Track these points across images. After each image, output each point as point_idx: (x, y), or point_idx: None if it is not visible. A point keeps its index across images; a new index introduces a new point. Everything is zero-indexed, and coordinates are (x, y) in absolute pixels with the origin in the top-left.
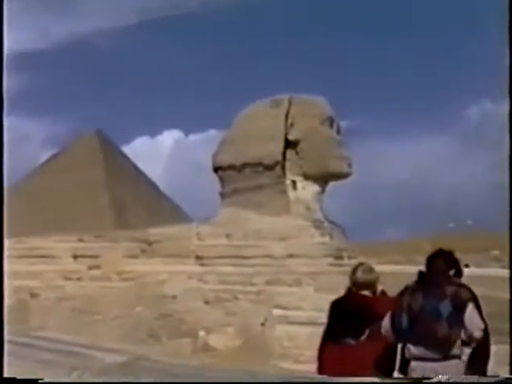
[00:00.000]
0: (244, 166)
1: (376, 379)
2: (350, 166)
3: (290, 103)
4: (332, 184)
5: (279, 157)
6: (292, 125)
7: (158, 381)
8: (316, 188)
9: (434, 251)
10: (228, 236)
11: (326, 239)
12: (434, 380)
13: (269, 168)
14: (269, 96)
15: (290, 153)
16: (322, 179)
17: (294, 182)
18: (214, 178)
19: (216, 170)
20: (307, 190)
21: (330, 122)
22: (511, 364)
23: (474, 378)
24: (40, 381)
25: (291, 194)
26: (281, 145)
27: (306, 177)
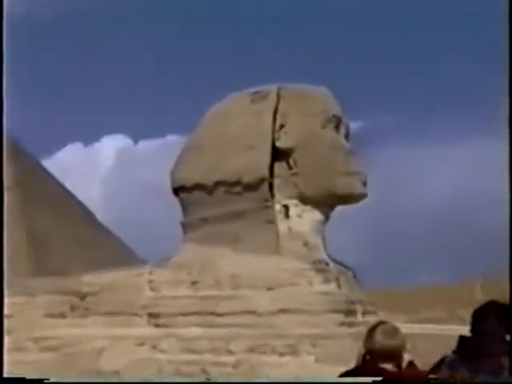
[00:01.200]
0: (216, 185)
1: (376, 379)
2: (364, 184)
3: (278, 96)
4: (340, 210)
5: (265, 172)
6: (282, 127)
7: (158, 381)
8: (317, 215)
9: (482, 305)
10: (194, 284)
11: (332, 287)
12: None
13: (251, 188)
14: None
15: (279, 166)
16: (326, 203)
17: (285, 208)
18: (174, 201)
19: (176, 191)
20: (304, 219)
21: (336, 122)
22: (511, 364)
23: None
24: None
25: (282, 224)
26: (267, 155)
27: (303, 200)
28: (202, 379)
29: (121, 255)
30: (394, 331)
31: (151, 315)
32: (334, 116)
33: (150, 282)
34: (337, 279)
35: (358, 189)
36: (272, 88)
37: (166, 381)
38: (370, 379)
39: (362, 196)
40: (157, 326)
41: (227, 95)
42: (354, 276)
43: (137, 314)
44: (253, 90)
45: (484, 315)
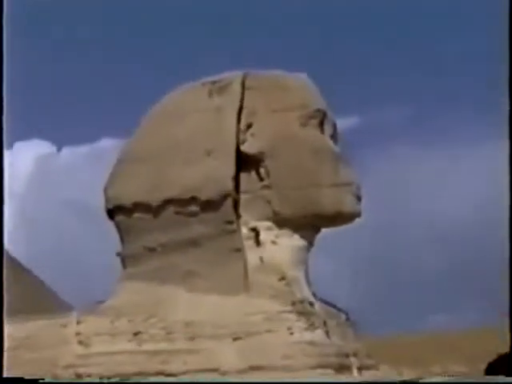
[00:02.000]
0: (164, 204)
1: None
2: (357, 198)
3: (244, 86)
4: (327, 233)
5: (227, 186)
6: (249, 127)
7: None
8: (297, 241)
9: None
10: (137, 336)
11: (318, 335)
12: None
13: (209, 207)
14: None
15: (246, 178)
16: (308, 225)
17: (255, 232)
18: (109, 226)
19: (112, 212)
20: (281, 246)
21: (320, 119)
22: (511, 364)
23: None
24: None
25: (251, 253)
26: (230, 164)
27: (279, 221)
28: (203, 379)
29: (38, 298)
30: None
31: (79, 376)
32: (316, 111)
33: (78, 334)
34: (324, 324)
35: (349, 205)
36: (235, 76)
37: (168, 381)
38: (371, 379)
39: (355, 215)
40: None
41: (177, 86)
42: (348, 319)
43: (60, 375)
44: (210, 78)
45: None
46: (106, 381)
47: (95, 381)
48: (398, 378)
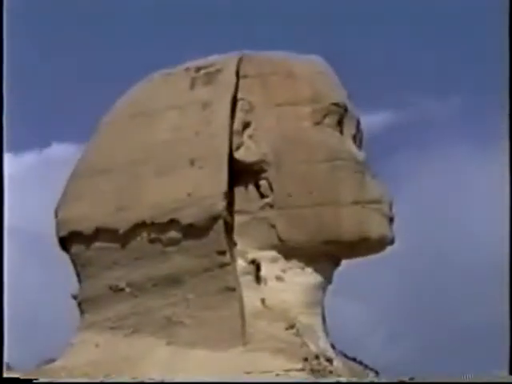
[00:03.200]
0: (134, 230)
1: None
2: (389, 220)
3: (237, 73)
4: (348, 265)
5: (217, 204)
6: (246, 127)
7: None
8: (310, 277)
9: None
10: None
11: None
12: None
13: (194, 233)
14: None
15: (243, 194)
16: (325, 255)
17: (255, 265)
18: (62, 260)
19: (65, 241)
20: (289, 283)
21: (339, 116)
22: (511, 363)
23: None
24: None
25: (250, 292)
26: (221, 176)
27: (286, 251)
28: (203, 379)
29: None
30: None
31: None
32: (333, 105)
33: None
34: None
35: (377, 228)
36: (228, 59)
37: (167, 381)
38: (370, 378)
39: (385, 240)
40: None
41: (149, 74)
42: (377, 377)
43: None
44: (194, 63)
45: None
46: (105, 381)
47: (95, 381)
48: None
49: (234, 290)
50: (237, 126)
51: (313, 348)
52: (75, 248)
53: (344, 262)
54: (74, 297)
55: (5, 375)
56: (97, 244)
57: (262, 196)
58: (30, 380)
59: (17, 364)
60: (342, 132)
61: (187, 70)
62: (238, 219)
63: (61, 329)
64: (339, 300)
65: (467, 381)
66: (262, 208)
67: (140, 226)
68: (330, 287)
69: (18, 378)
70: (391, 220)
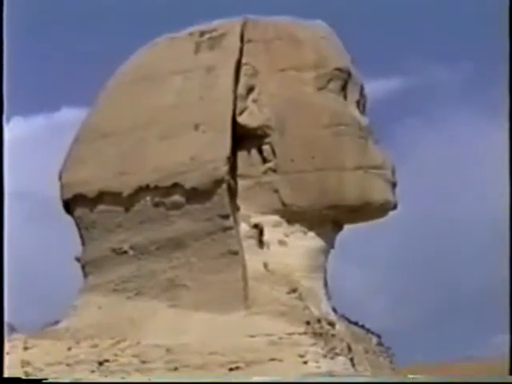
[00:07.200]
0: (137, 193)
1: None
2: (391, 185)
3: (242, 38)
4: (351, 230)
5: (221, 168)
6: (250, 91)
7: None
8: (312, 241)
9: None
10: (102, 366)
11: (340, 365)
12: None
13: (197, 196)
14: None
15: (246, 159)
16: (328, 219)
17: (258, 229)
18: (66, 221)
19: (69, 204)
20: (291, 247)
21: (342, 81)
22: (511, 363)
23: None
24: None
25: (253, 256)
26: (225, 141)
27: (289, 215)
28: (203, 379)
29: None
30: None
31: None
32: (337, 69)
33: (25, 363)
34: (349, 350)
35: (379, 193)
36: (232, 24)
37: (166, 381)
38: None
39: (388, 205)
40: None
41: (153, 38)
42: (380, 344)
43: None
44: (198, 27)
45: None
46: (105, 381)
47: (95, 381)
48: None
49: (236, 253)
50: (241, 90)
51: (315, 311)
52: (79, 211)
53: (346, 227)
54: (78, 259)
55: (8, 337)
56: (100, 207)
57: (265, 161)
58: (34, 380)
59: (23, 325)
60: (345, 97)
61: (191, 34)
62: (242, 184)
63: (66, 291)
64: (341, 264)
65: (467, 381)
66: (265, 172)
67: (143, 190)
68: (333, 252)
69: (19, 378)
70: (394, 185)
